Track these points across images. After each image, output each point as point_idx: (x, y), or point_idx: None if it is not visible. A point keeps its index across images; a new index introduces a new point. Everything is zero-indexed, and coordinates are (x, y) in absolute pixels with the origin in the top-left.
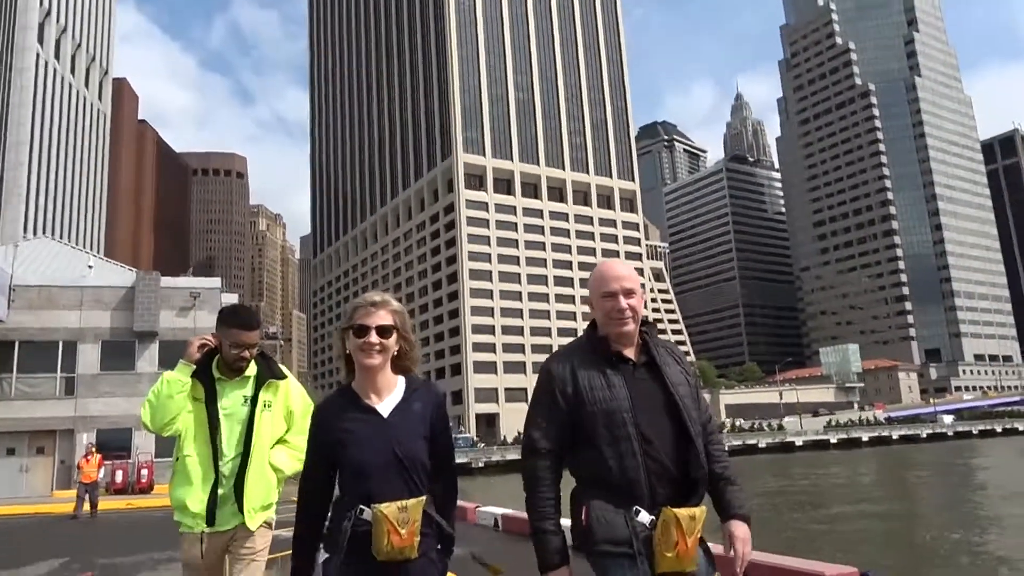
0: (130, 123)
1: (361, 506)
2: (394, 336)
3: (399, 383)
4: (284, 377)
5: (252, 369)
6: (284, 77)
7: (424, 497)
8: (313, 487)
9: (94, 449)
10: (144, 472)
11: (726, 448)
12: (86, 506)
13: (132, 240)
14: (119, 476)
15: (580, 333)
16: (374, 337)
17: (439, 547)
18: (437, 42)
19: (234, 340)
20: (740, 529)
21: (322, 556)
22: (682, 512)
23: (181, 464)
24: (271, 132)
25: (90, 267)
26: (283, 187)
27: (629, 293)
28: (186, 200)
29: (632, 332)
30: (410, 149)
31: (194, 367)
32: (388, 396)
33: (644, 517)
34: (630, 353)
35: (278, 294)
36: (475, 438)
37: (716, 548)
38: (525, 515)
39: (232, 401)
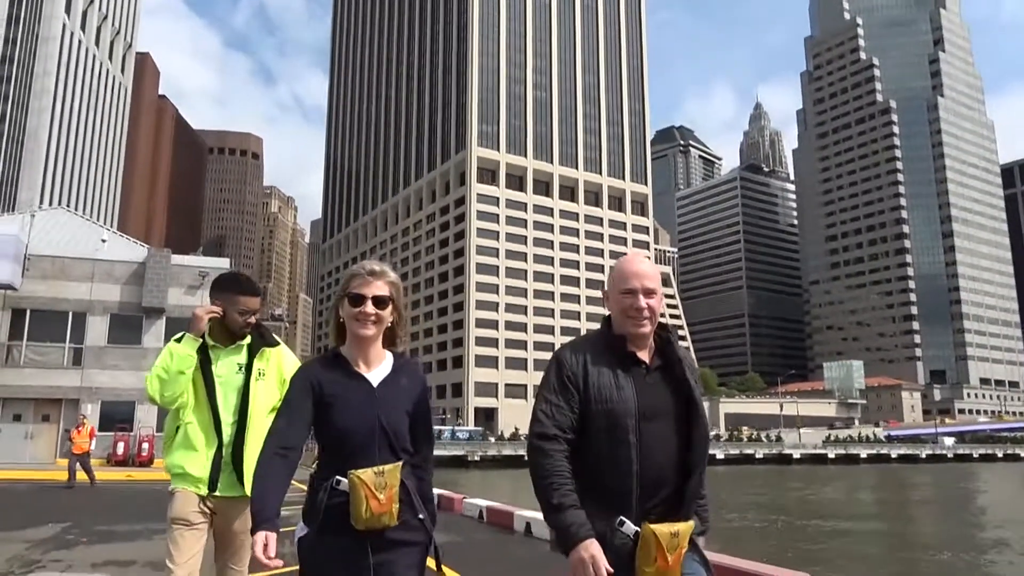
0: (150, 98)
1: (337, 476)
2: (390, 307)
3: (387, 356)
4: (277, 344)
5: (245, 337)
6: (306, 59)
7: (400, 463)
8: (283, 426)
9: (85, 420)
10: (145, 445)
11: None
12: (82, 475)
13: (145, 214)
14: (120, 448)
15: (583, 333)
16: (370, 307)
17: (420, 517)
18: (459, 35)
19: (242, 307)
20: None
21: (300, 531)
22: (662, 529)
23: (183, 431)
24: (289, 114)
25: (103, 241)
26: (297, 170)
27: (650, 292)
28: (200, 178)
29: (648, 334)
30: (425, 140)
31: (201, 341)
32: (377, 367)
33: (629, 528)
34: (644, 356)
35: (285, 277)
36: (483, 430)
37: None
38: (508, 508)
39: (227, 368)
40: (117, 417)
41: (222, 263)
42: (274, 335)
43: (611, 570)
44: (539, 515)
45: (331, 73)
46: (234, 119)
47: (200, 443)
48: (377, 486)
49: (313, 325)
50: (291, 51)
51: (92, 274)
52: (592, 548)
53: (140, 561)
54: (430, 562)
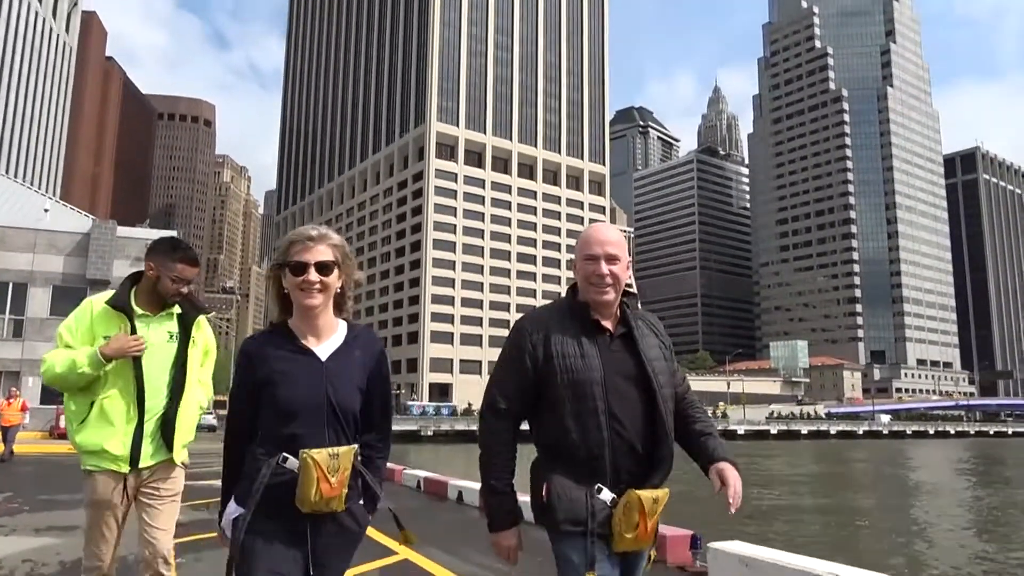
0: (97, 60)
1: (284, 454)
2: (335, 273)
3: (340, 326)
4: (209, 312)
5: (174, 305)
6: (264, 26)
7: (355, 446)
8: (238, 430)
9: (17, 392)
10: None
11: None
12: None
13: (90, 182)
14: (63, 421)
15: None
16: (314, 275)
17: (361, 503)
18: (420, 7)
19: (177, 274)
20: (729, 468)
21: (233, 511)
22: (646, 494)
23: (98, 406)
24: (244, 81)
25: (46, 210)
26: (251, 139)
27: (612, 259)
28: (149, 144)
29: (612, 301)
30: (383, 113)
31: (107, 364)
32: (327, 339)
33: (606, 495)
34: (608, 323)
35: (238, 248)
36: (454, 406)
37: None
38: (443, 478)
39: (159, 337)
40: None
41: (170, 235)
42: (203, 303)
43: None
44: (470, 484)
45: (288, 41)
46: (186, 84)
47: (120, 418)
48: (330, 469)
49: (266, 298)
50: (248, 15)
51: (34, 244)
52: (512, 539)
53: (83, 526)
54: (380, 537)
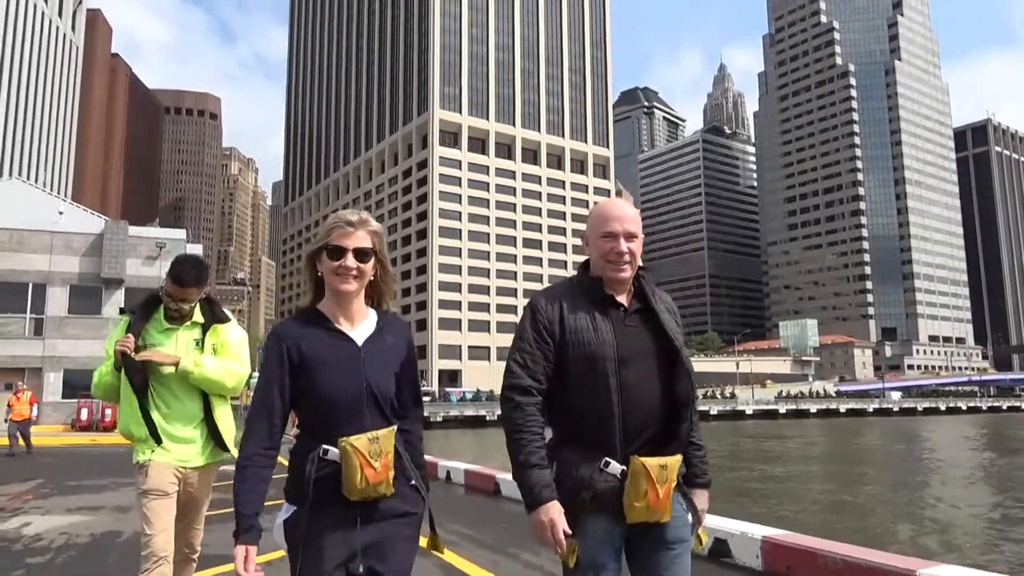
0: (103, 57)
1: (324, 446)
2: (372, 260)
3: (371, 313)
4: (228, 320)
5: (199, 316)
6: (267, 15)
7: (395, 427)
8: (265, 414)
9: (24, 387)
10: (108, 412)
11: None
12: (22, 441)
13: (101, 178)
14: (84, 414)
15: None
16: (351, 260)
17: (412, 483)
18: None
19: (167, 290)
20: (700, 499)
21: (284, 512)
22: (651, 461)
23: (125, 400)
24: (249, 73)
25: (61, 213)
26: (258, 130)
27: (631, 236)
28: (157, 139)
29: (628, 278)
30: (387, 102)
31: (118, 369)
32: (361, 324)
33: (615, 468)
34: (622, 299)
35: (248, 240)
36: (480, 389)
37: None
38: (434, 459)
39: (185, 345)
40: (79, 385)
41: (179, 233)
42: (226, 312)
43: (569, 532)
44: (458, 464)
45: (291, 32)
46: (191, 77)
47: (133, 407)
48: (372, 453)
49: (276, 289)
50: (251, 5)
51: (51, 246)
52: (552, 512)
53: (108, 506)
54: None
